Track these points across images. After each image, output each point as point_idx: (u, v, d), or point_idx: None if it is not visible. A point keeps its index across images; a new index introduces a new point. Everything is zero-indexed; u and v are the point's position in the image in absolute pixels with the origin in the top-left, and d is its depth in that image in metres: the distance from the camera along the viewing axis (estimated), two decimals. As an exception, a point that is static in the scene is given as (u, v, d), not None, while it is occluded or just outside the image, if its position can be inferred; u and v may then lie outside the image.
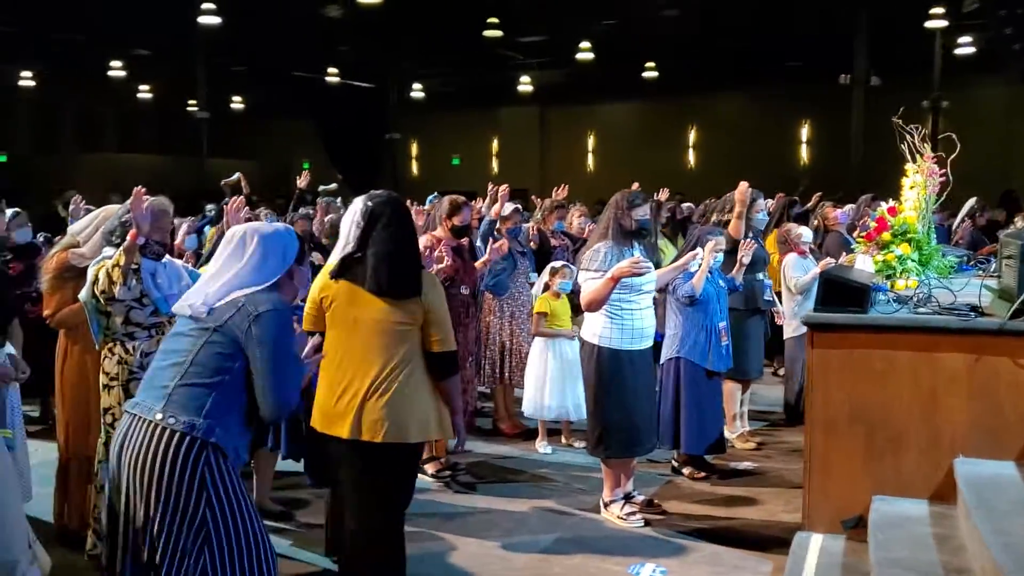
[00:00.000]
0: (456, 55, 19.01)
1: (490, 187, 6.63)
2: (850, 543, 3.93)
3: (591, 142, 24.03)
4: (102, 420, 3.98)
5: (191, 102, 21.49)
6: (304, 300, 3.52)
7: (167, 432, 2.72)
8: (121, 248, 3.76)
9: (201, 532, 2.72)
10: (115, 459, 2.79)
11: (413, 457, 3.52)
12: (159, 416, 2.73)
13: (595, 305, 4.59)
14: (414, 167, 25.92)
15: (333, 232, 6.69)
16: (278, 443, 4.67)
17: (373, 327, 3.31)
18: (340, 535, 3.86)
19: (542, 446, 6.14)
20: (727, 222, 5.97)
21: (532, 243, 7.11)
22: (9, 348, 3.75)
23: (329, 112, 22.32)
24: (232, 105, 22.50)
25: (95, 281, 3.91)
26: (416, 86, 20.90)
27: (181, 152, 22.86)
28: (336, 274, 3.37)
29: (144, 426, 2.76)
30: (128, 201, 3.96)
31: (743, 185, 5.91)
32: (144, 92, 21.26)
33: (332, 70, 19.72)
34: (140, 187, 3.85)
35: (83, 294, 4.01)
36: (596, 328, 4.69)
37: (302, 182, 9.05)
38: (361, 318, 3.32)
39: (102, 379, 3.98)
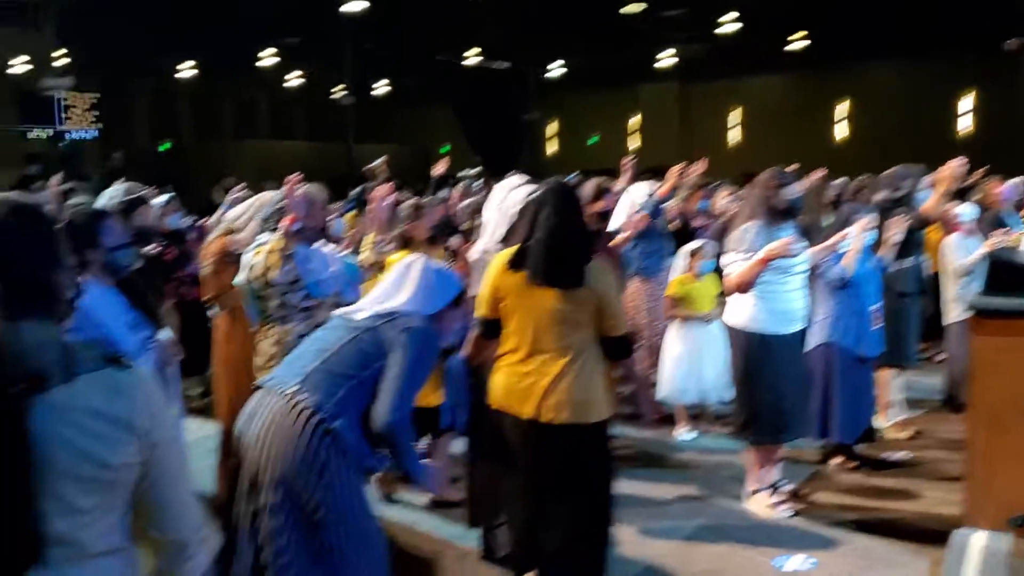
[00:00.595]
0: (596, 33, 18.86)
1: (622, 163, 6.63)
2: (1018, 542, 3.70)
3: (734, 117, 23.43)
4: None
5: (338, 88, 22.21)
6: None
7: (298, 406, 2.84)
8: (278, 234, 3.91)
9: (318, 512, 2.80)
10: (242, 427, 2.92)
11: (597, 438, 3.53)
12: (293, 389, 2.86)
13: (743, 287, 4.47)
14: (552, 147, 25.96)
15: (473, 215, 6.72)
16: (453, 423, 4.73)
17: (547, 317, 3.38)
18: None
19: (683, 431, 6.05)
20: (898, 200, 5.69)
21: (674, 223, 6.98)
22: (166, 331, 3.98)
23: (468, 95, 22.58)
24: (377, 90, 23.06)
25: (252, 266, 4.08)
26: (555, 65, 20.87)
27: (329, 138, 23.64)
28: (513, 265, 3.43)
29: (276, 398, 2.89)
30: (283, 188, 4.13)
31: (956, 161, 5.63)
32: (293, 80, 22.07)
33: (473, 52, 19.93)
34: (294, 175, 3.99)
35: (240, 278, 4.20)
36: (744, 311, 4.57)
37: (439, 169, 9.13)
38: (535, 308, 3.39)
39: (258, 360, 4.16)
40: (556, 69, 20.80)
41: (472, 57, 19.99)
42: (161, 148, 23.21)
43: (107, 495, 1.57)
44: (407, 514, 4.77)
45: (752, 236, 4.43)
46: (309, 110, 26.72)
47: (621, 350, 3.54)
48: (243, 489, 2.91)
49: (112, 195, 4.32)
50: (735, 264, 4.49)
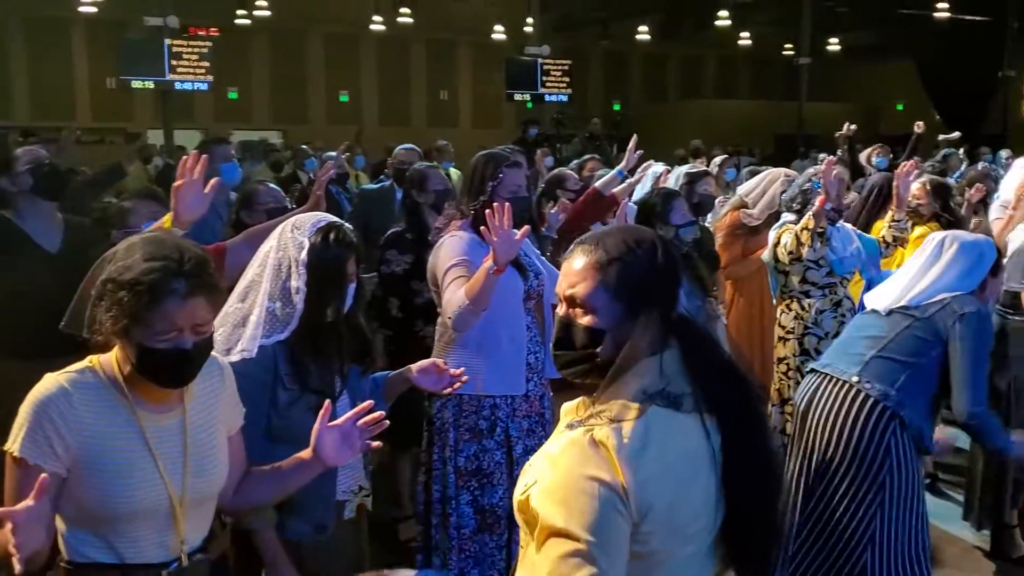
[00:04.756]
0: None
1: None
2: None
3: None
4: (775, 368, 4.45)
5: (787, 46, 21.77)
6: None
7: (861, 395, 3.02)
8: (810, 213, 4.12)
9: (879, 495, 2.98)
10: (799, 414, 3.18)
11: None
12: (855, 379, 3.04)
13: None
14: (1027, 107, 23.24)
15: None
16: None
17: None
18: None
19: None
20: None
21: None
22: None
23: (934, 50, 20.92)
24: (830, 47, 22.23)
25: (779, 243, 4.35)
26: (1039, 17, 18.60)
27: (775, 97, 23.34)
28: None
29: (837, 386, 3.09)
30: (811, 170, 4.33)
31: None
32: (744, 39, 22.04)
33: (942, 5, 18.41)
34: (832, 157, 4.18)
35: (766, 255, 4.48)
36: None
37: (919, 127, 8.67)
38: None
39: (777, 331, 4.45)
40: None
41: (941, 12, 18.50)
42: (614, 109, 24.53)
43: None
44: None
45: None
46: (755, 68, 26.57)
47: None
48: (799, 466, 3.18)
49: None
50: None
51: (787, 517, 3.12)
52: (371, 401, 2.13)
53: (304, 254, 2.36)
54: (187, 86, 14.20)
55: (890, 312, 3.18)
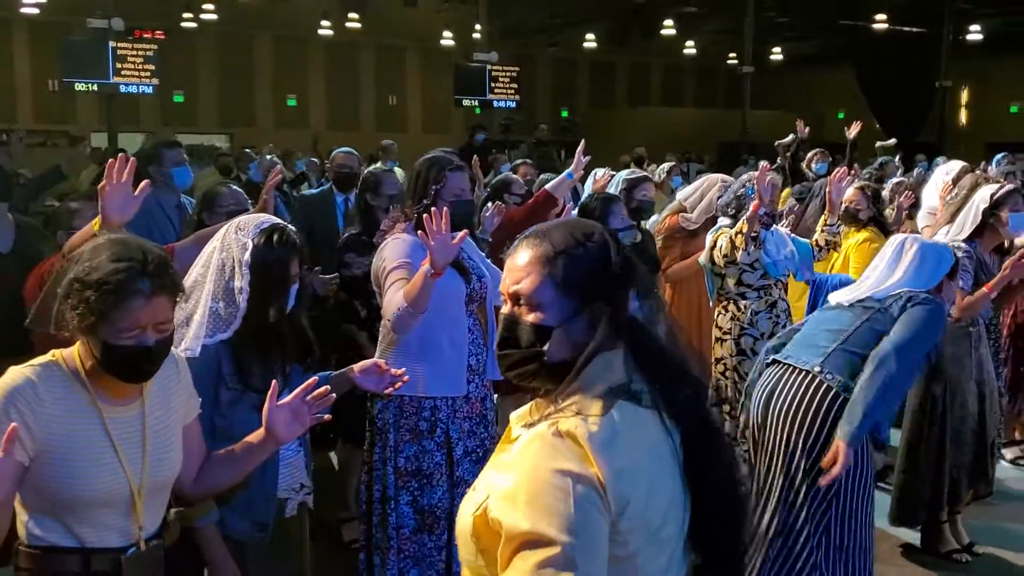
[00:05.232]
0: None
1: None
2: None
3: None
4: (713, 368, 4.58)
5: (731, 55, 22.13)
6: None
7: (823, 386, 3.12)
8: (744, 218, 4.26)
9: (834, 484, 3.07)
10: (760, 405, 3.28)
11: None
12: (817, 369, 3.15)
13: None
14: (963, 116, 23.92)
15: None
16: None
17: None
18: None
19: None
20: None
21: None
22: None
23: (872, 60, 21.44)
24: (772, 56, 22.68)
25: (714, 246, 4.48)
26: (974, 28, 19.14)
27: (719, 105, 23.71)
28: None
29: (798, 375, 3.19)
30: (746, 176, 4.47)
31: None
32: (689, 48, 22.38)
33: (880, 17, 18.90)
34: (765, 162, 4.32)
35: (703, 257, 4.61)
36: None
37: (852, 132, 8.90)
38: None
39: (715, 332, 4.58)
40: (975, 33, 19.08)
41: (879, 23, 18.98)
42: (563, 115, 24.71)
43: None
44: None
45: None
46: (700, 77, 26.96)
47: None
48: (760, 458, 3.28)
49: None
50: None
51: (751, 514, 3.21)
52: (316, 378, 2.20)
53: (247, 255, 2.42)
54: (132, 89, 14.01)
55: (852, 305, 3.30)
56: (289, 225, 2.59)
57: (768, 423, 3.22)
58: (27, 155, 13.01)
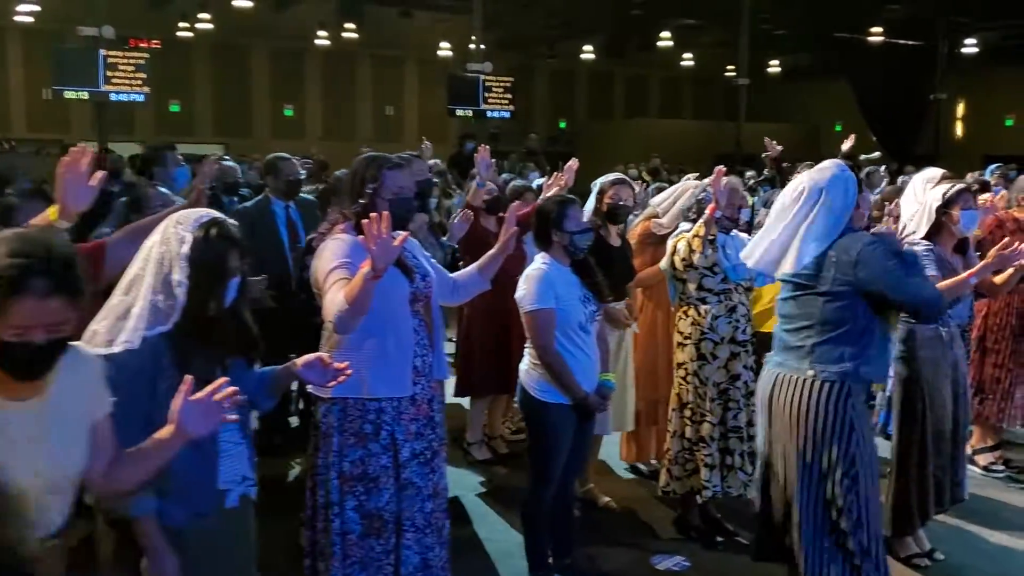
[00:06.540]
0: (1023, 4, 17.03)
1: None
2: None
3: None
4: (675, 373, 4.54)
5: (729, 68, 22.17)
6: None
7: (820, 384, 3.19)
8: (700, 221, 4.23)
9: (853, 468, 3.17)
10: (765, 413, 3.35)
11: None
12: (811, 372, 3.21)
13: None
14: (958, 129, 23.91)
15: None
16: None
17: None
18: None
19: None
20: None
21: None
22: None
23: (869, 73, 21.45)
24: (770, 69, 22.71)
25: (674, 251, 4.45)
26: (970, 41, 19.15)
27: (717, 117, 23.71)
28: None
29: (794, 381, 3.24)
30: (706, 180, 4.44)
31: None
32: (686, 60, 22.42)
33: (876, 29, 18.92)
34: (721, 167, 4.29)
35: (664, 263, 4.58)
36: None
37: (847, 145, 8.83)
38: None
39: (676, 337, 4.54)
40: (971, 47, 19.09)
41: (875, 36, 19.01)
42: (560, 126, 24.76)
43: None
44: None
45: None
46: (697, 89, 26.99)
47: None
48: (770, 457, 3.38)
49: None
50: None
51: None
52: (225, 379, 2.17)
53: (186, 248, 2.41)
54: (123, 97, 14.02)
55: (798, 295, 3.27)
56: (229, 219, 2.58)
57: (774, 424, 3.31)
58: (21, 163, 13.10)
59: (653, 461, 5.42)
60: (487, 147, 5.12)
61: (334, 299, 2.87)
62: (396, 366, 3.16)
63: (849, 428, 3.18)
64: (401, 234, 2.75)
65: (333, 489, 3.13)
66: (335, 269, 2.98)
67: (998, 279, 4.11)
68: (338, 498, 3.12)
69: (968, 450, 5.38)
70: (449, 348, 7.10)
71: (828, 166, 3.33)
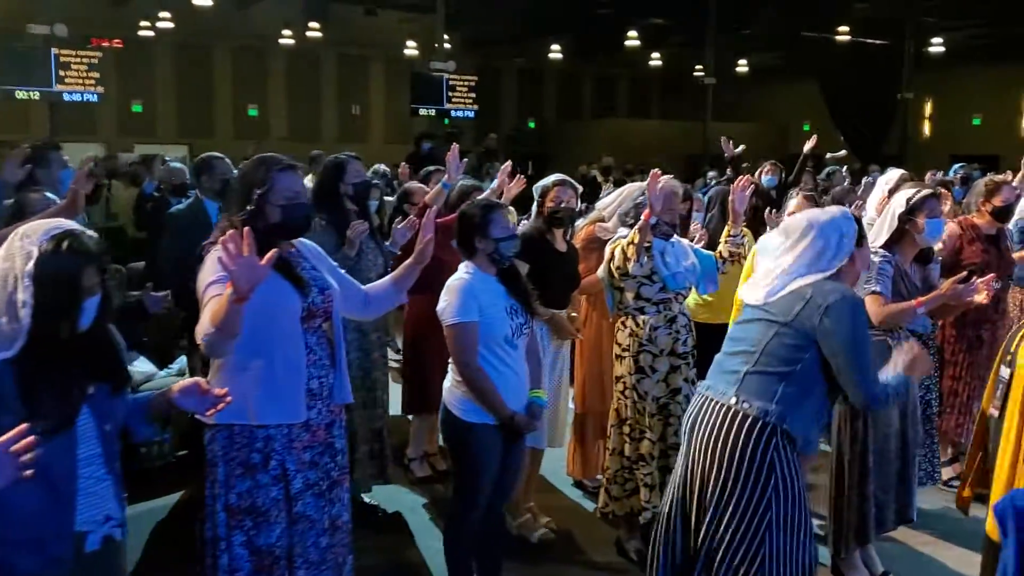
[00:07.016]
0: (989, 4, 16.99)
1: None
2: None
3: None
4: (614, 387, 4.31)
5: (697, 67, 22.04)
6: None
7: (740, 415, 2.91)
8: (635, 227, 4.01)
9: (766, 516, 2.89)
10: (686, 436, 3.10)
11: None
12: (733, 400, 2.93)
13: None
14: (926, 128, 23.92)
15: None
16: None
17: None
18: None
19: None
20: None
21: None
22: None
23: (835, 73, 21.41)
24: (738, 69, 22.60)
25: (611, 258, 4.23)
26: (936, 41, 19.10)
27: (685, 116, 23.59)
28: None
29: (717, 408, 2.98)
30: (644, 183, 4.22)
31: None
32: (655, 60, 22.25)
33: (844, 29, 18.84)
34: (657, 170, 4.07)
35: (601, 271, 4.36)
36: None
37: (808, 146, 8.68)
38: None
39: (615, 349, 4.30)
40: (937, 46, 19.04)
41: (842, 36, 18.92)
42: (529, 126, 24.54)
43: None
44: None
45: None
46: (665, 89, 26.84)
47: None
48: (681, 491, 3.10)
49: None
50: None
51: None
52: (25, 425, 1.92)
53: (30, 265, 2.17)
54: (76, 97, 13.70)
55: (755, 319, 3.04)
56: (86, 231, 2.34)
57: (691, 456, 3.05)
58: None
59: (599, 477, 5.20)
60: (457, 146, 4.87)
61: (204, 320, 2.60)
62: (286, 389, 2.86)
63: (767, 469, 2.88)
64: (269, 253, 2.41)
65: (220, 523, 2.85)
66: (211, 284, 2.69)
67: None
68: (225, 533, 2.84)
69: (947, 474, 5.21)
70: (395, 359, 6.91)
71: (833, 210, 3.16)
